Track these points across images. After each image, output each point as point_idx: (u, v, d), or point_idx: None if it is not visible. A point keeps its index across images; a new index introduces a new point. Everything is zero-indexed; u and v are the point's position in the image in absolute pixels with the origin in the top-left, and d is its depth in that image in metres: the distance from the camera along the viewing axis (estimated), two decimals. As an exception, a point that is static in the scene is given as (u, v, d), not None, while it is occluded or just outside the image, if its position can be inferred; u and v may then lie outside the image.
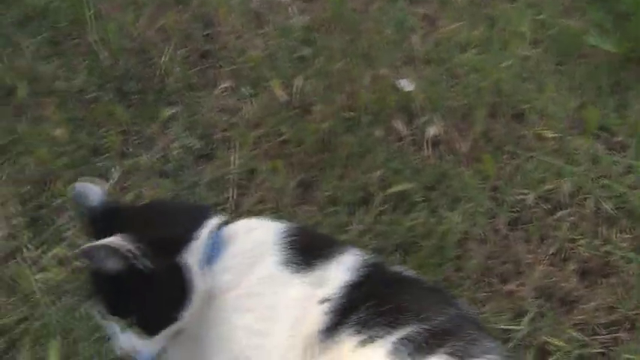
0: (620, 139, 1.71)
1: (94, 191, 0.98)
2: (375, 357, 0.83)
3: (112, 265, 0.87)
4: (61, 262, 1.47)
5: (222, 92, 1.86)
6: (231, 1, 2.13)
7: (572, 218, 1.51)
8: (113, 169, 1.65)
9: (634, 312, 1.32)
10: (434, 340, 0.82)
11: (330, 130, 1.68)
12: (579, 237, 1.48)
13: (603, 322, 1.31)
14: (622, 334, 1.29)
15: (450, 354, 0.80)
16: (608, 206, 1.52)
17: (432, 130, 1.66)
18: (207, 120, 1.78)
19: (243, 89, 1.84)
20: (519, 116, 1.78)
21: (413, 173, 1.59)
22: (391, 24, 2.03)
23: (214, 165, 1.68)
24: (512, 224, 1.53)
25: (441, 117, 1.71)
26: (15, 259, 1.52)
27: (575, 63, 1.97)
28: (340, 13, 2.05)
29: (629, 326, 1.31)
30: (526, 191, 1.56)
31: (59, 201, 1.61)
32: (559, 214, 1.53)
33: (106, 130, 1.78)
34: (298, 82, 1.80)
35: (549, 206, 1.55)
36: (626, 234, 1.48)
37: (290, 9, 2.10)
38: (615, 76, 1.89)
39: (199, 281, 0.90)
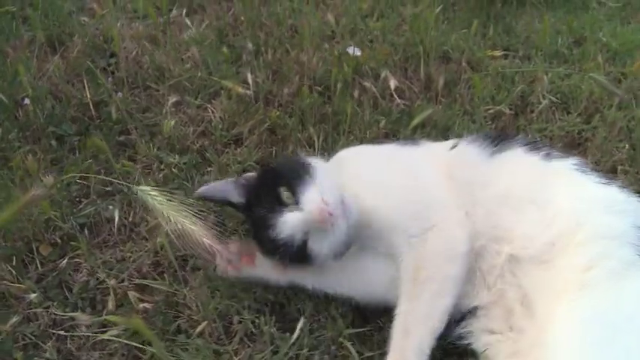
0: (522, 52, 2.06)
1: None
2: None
3: None
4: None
5: (173, 108, 1.73)
6: (120, 29, 1.99)
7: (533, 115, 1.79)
8: (110, 207, 1.44)
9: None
10: None
11: (312, 105, 1.69)
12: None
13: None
14: None
15: None
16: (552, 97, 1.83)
17: (392, 83, 1.79)
18: (176, 135, 1.64)
19: (191, 100, 1.75)
20: (444, 57, 2.01)
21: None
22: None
23: (214, 170, 1.57)
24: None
25: (390, 72, 1.84)
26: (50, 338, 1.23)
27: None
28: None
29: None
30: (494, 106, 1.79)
31: (64, 263, 1.35)
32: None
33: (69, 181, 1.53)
34: (248, 76, 1.76)
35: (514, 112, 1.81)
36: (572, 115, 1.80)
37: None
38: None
39: None
